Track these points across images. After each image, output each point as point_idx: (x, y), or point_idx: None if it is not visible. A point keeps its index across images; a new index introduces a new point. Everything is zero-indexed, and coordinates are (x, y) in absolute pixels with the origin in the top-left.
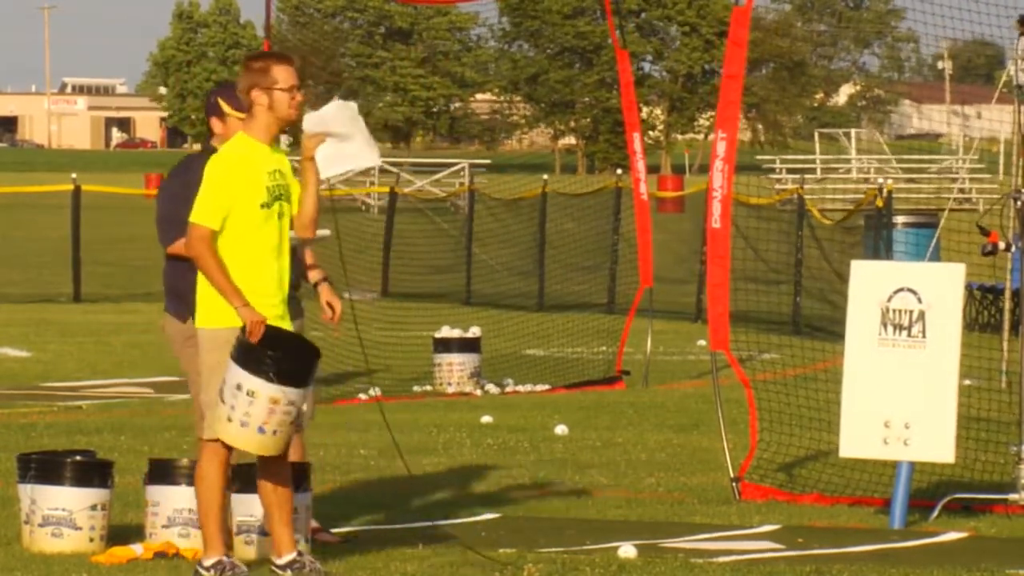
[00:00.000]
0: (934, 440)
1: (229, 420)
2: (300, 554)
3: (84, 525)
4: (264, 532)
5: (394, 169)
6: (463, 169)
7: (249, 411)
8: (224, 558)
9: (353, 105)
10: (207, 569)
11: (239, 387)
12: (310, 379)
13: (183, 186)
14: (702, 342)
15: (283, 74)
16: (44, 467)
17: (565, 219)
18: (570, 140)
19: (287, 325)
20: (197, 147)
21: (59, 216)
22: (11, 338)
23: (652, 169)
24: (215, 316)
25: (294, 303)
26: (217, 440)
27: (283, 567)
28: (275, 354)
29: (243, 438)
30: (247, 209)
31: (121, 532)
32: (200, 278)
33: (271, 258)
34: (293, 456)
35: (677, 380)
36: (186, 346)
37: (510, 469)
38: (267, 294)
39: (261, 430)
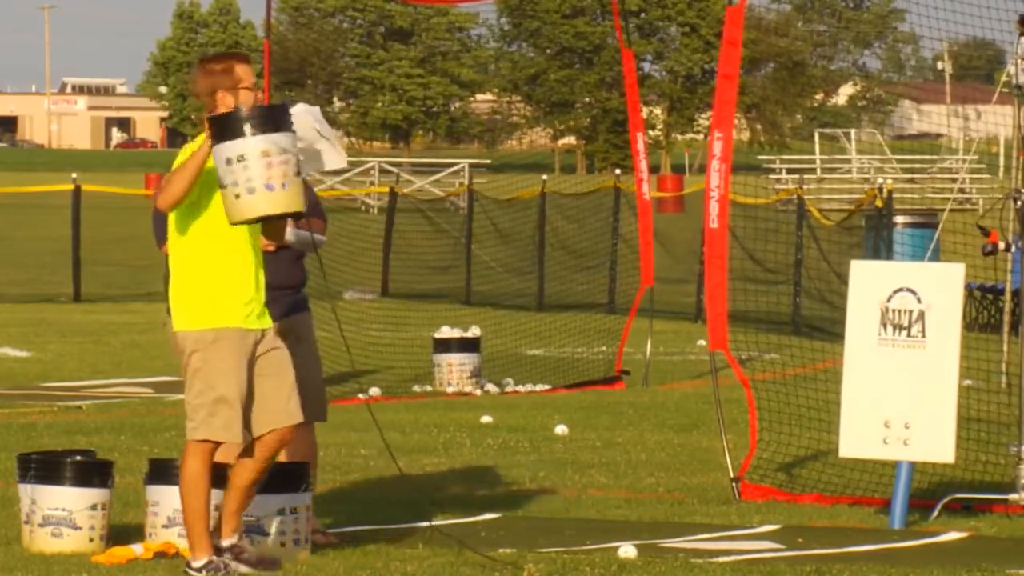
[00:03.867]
0: (934, 440)
1: (237, 197)
2: (240, 538)
3: (84, 525)
4: (264, 532)
5: (394, 169)
6: (463, 169)
7: (249, 175)
8: (214, 557)
9: (316, 110)
10: (198, 571)
11: (228, 161)
12: (286, 121)
13: None
14: (702, 342)
15: (245, 72)
16: (44, 467)
17: (565, 219)
18: (569, 140)
19: (264, 323)
20: None
21: (59, 216)
22: (11, 338)
23: (652, 169)
24: (198, 317)
25: (301, 300)
26: (203, 441)
27: (224, 549)
28: (240, 113)
29: (258, 204)
30: (211, 206)
31: (121, 532)
32: (174, 281)
33: (245, 254)
34: (300, 455)
35: (677, 380)
36: None
37: (510, 469)
38: (243, 291)
39: (269, 187)
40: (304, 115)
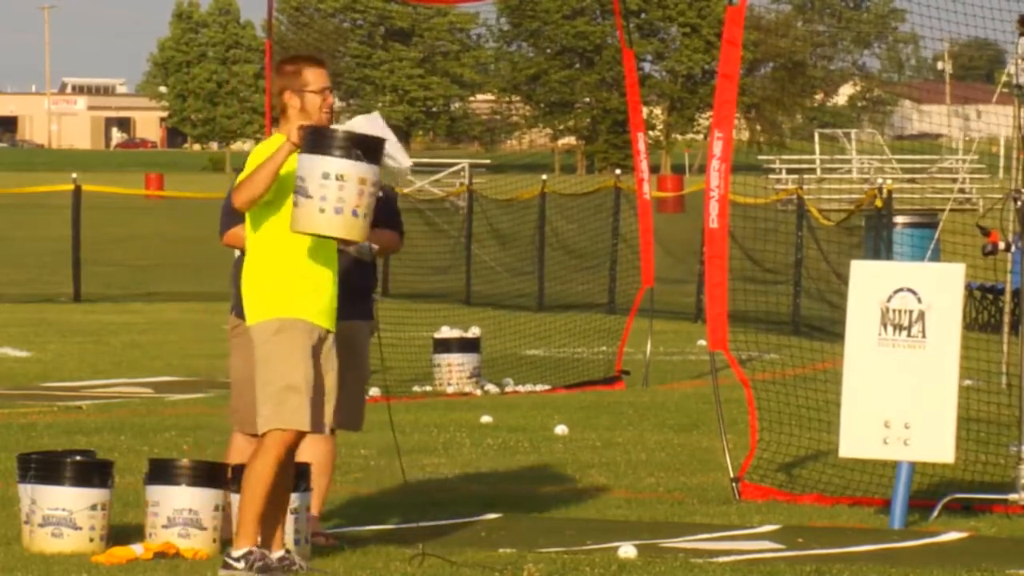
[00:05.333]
0: (934, 440)
1: (322, 211)
2: (288, 552)
3: (84, 525)
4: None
5: None
6: (463, 169)
7: (342, 196)
8: (254, 549)
9: (375, 116)
10: (237, 560)
11: (326, 175)
12: (381, 155)
13: None
14: (702, 342)
15: (314, 76)
16: (44, 467)
17: (565, 219)
18: (569, 140)
19: (330, 324)
20: (197, 147)
21: (59, 216)
22: (11, 338)
23: (652, 169)
24: (266, 308)
25: (369, 304)
26: (275, 431)
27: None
28: (349, 134)
29: (339, 224)
30: (288, 204)
31: (121, 532)
32: (245, 276)
33: (318, 253)
34: (317, 458)
35: (677, 380)
36: (231, 336)
37: (510, 469)
38: (312, 286)
39: (355, 213)
40: (370, 122)
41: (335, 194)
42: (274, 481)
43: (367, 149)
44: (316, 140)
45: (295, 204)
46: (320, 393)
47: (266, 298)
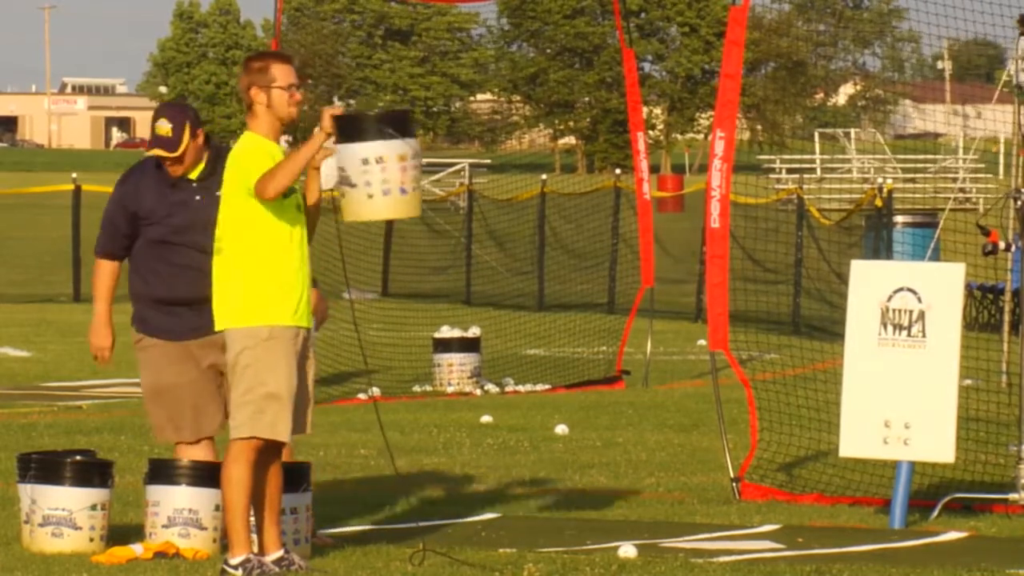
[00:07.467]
0: (934, 440)
1: (370, 197)
2: (287, 551)
3: (84, 525)
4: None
5: None
6: (463, 169)
7: (386, 177)
8: (251, 556)
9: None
10: (235, 568)
11: (365, 161)
12: (412, 128)
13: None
14: (702, 342)
15: (281, 72)
16: (44, 467)
17: (565, 219)
18: (569, 140)
19: (309, 322)
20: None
21: (59, 216)
22: (11, 338)
23: (652, 169)
24: (251, 314)
25: None
26: (248, 439)
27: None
28: (375, 114)
29: (390, 206)
30: (270, 206)
31: (121, 532)
32: (224, 279)
33: (295, 250)
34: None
35: (677, 380)
36: (137, 351)
37: (510, 469)
38: (296, 288)
39: (403, 191)
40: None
41: (379, 177)
42: (254, 485)
43: (397, 124)
44: (346, 128)
45: (341, 195)
46: (303, 400)
47: (254, 302)
